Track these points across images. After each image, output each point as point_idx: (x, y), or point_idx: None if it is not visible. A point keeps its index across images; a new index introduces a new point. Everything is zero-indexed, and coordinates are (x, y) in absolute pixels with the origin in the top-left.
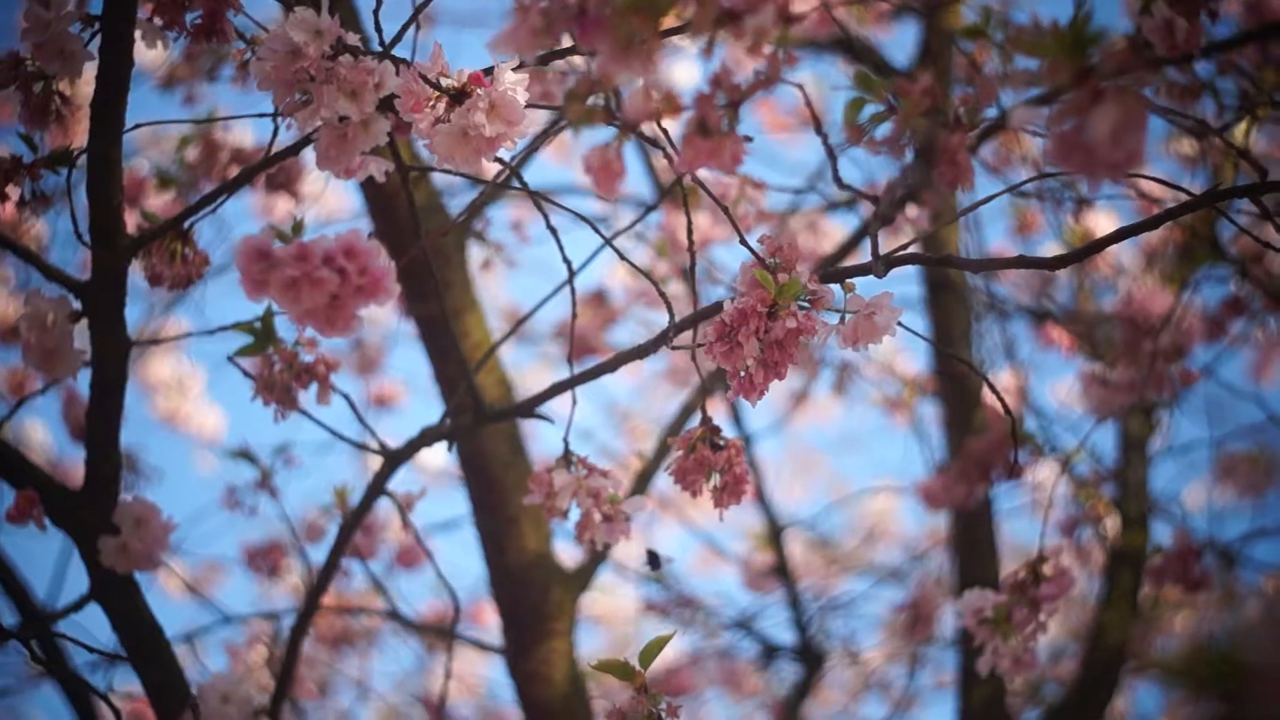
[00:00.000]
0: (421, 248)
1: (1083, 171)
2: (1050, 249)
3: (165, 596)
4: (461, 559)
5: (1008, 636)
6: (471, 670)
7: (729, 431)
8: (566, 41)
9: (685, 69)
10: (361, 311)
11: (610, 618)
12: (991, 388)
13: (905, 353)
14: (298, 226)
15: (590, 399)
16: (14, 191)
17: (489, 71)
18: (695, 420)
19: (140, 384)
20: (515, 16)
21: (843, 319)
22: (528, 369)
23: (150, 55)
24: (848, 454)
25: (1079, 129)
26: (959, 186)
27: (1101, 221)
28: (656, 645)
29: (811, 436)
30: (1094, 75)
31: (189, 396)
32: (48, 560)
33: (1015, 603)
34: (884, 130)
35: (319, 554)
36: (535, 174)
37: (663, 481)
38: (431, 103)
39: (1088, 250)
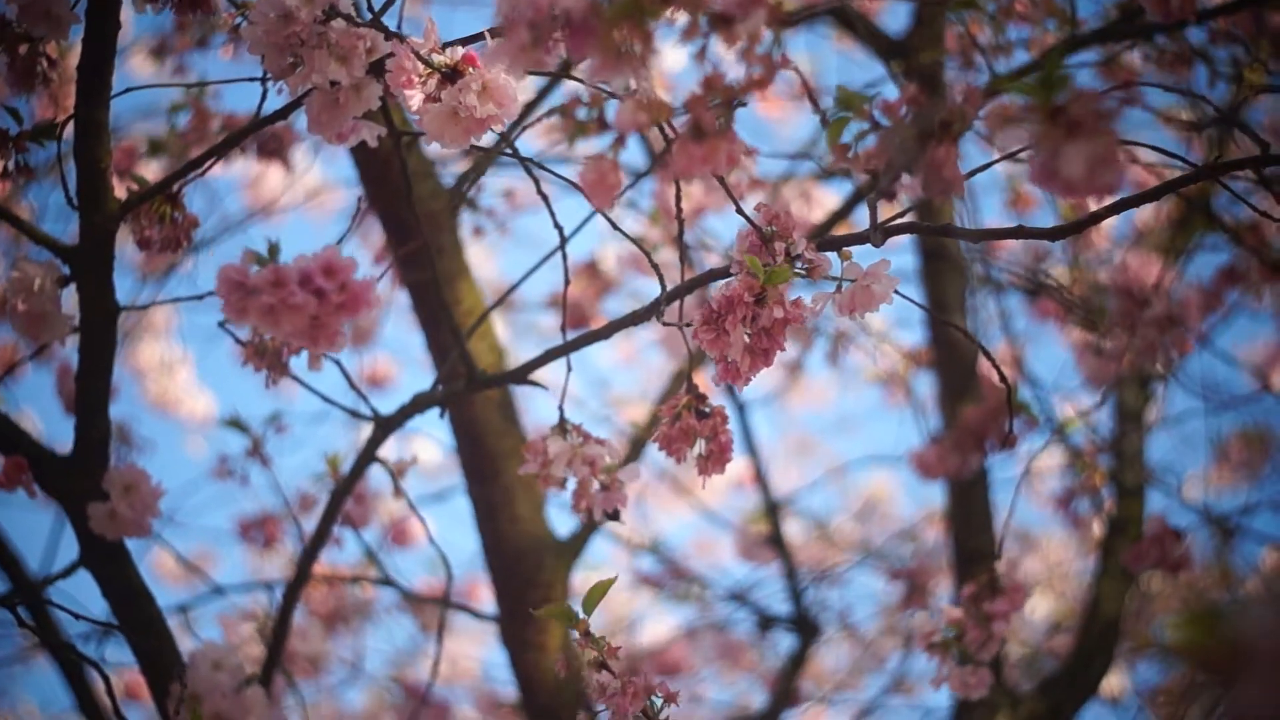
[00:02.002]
0: (414, 214)
1: (1065, 195)
2: (1046, 223)
3: (159, 580)
4: (454, 536)
5: (962, 659)
6: (466, 652)
7: (723, 401)
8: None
9: (677, 59)
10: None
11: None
12: (987, 355)
13: (901, 326)
14: (274, 250)
15: (579, 374)
16: None
17: (476, 39)
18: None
19: (130, 368)
20: (505, 32)
21: (839, 287)
22: (523, 347)
23: (141, 26)
24: (844, 436)
25: (1055, 161)
26: (949, 194)
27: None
28: (600, 589)
29: (807, 420)
30: (1065, 113)
31: (178, 379)
32: (40, 534)
33: (970, 618)
34: (867, 146)
35: (312, 525)
36: (528, 135)
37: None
38: (423, 79)
39: (1086, 221)
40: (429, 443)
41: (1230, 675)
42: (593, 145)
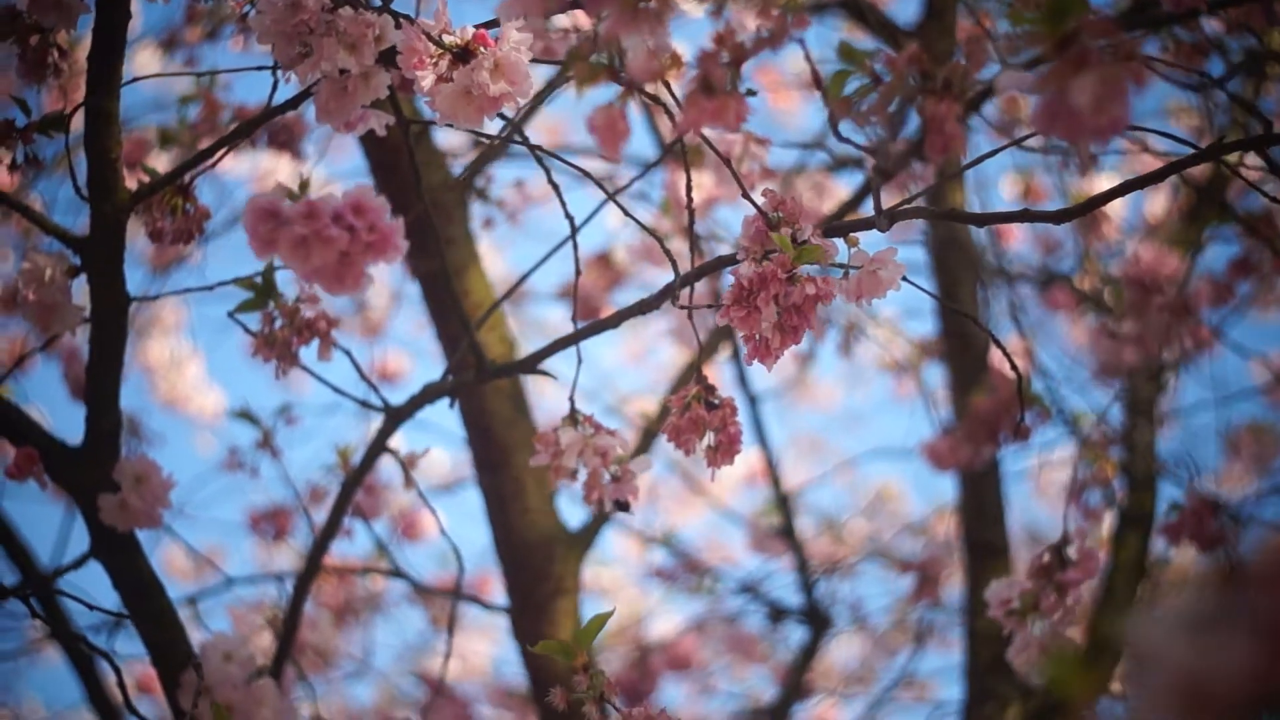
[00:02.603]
0: (424, 204)
1: (1068, 137)
2: None
3: (169, 573)
4: (465, 530)
5: (1035, 626)
6: (477, 648)
7: (733, 394)
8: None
9: (689, 29)
10: (370, 269)
11: (617, 589)
12: (998, 344)
13: (911, 317)
14: (305, 184)
15: (587, 370)
16: (7, 155)
17: (491, 25)
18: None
19: (139, 365)
20: None
21: (847, 274)
22: (533, 343)
23: (151, 18)
24: (853, 433)
25: (1062, 97)
26: (950, 154)
27: (1105, 183)
28: (596, 624)
29: (816, 421)
30: (1074, 43)
31: (187, 376)
32: (50, 525)
33: (1042, 589)
34: (870, 102)
35: (323, 517)
36: (536, 135)
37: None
38: (434, 60)
39: (1092, 203)
40: (441, 436)
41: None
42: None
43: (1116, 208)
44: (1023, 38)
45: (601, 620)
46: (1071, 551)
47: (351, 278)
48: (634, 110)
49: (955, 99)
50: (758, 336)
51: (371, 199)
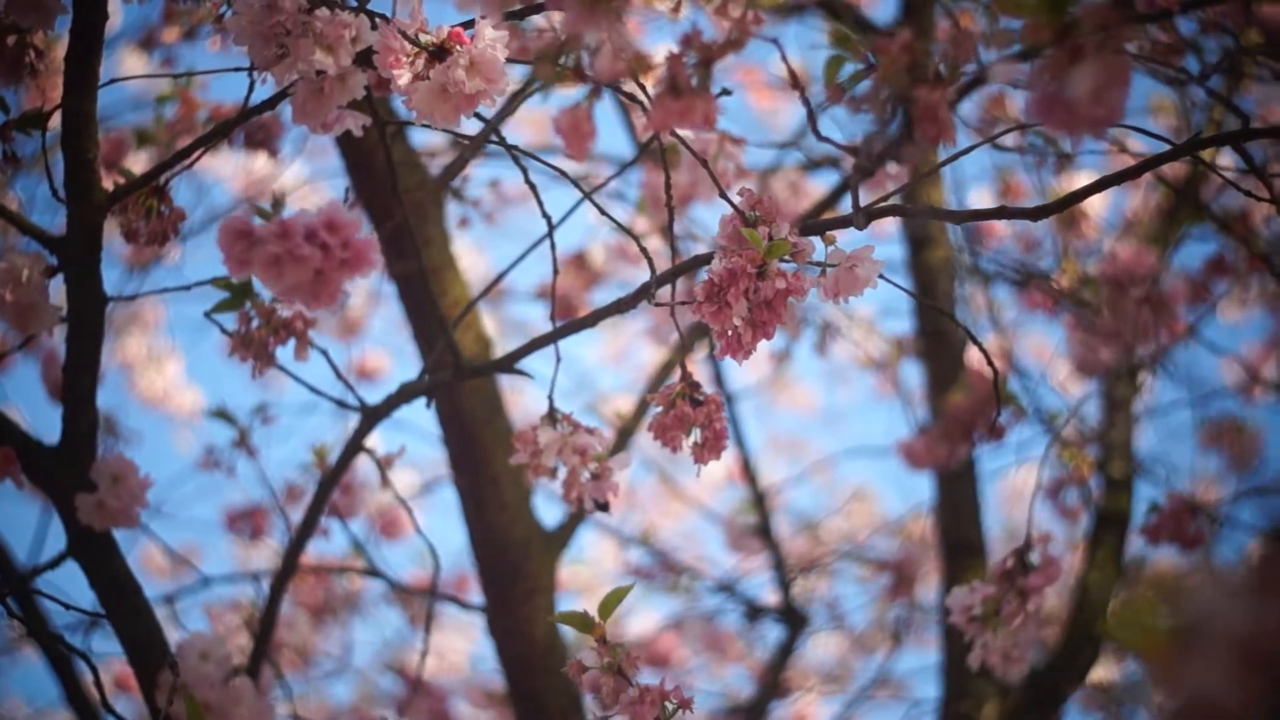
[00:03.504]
0: (400, 204)
1: (1064, 128)
2: None
3: (146, 572)
4: (442, 529)
5: (997, 631)
6: (454, 646)
7: (711, 390)
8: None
9: (658, 32)
10: (346, 284)
11: (593, 588)
12: (975, 341)
13: (888, 315)
14: (278, 203)
15: (566, 370)
16: None
17: (468, 25)
18: (676, 378)
19: (117, 363)
20: None
21: (824, 271)
22: (511, 342)
23: (129, 18)
24: (831, 433)
25: (1060, 86)
26: (941, 142)
27: (1083, 181)
28: (616, 596)
29: (794, 421)
30: (1074, 32)
31: (165, 373)
32: (27, 525)
33: (1004, 594)
34: (863, 88)
35: (300, 516)
36: (519, 132)
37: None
38: (410, 59)
39: (1069, 200)
40: (418, 435)
41: (1176, 667)
42: (570, 98)
43: (1096, 206)
44: (1020, 28)
45: (622, 593)
46: (1035, 556)
47: (327, 294)
48: (608, 109)
49: (947, 87)
50: (729, 332)
51: (344, 215)
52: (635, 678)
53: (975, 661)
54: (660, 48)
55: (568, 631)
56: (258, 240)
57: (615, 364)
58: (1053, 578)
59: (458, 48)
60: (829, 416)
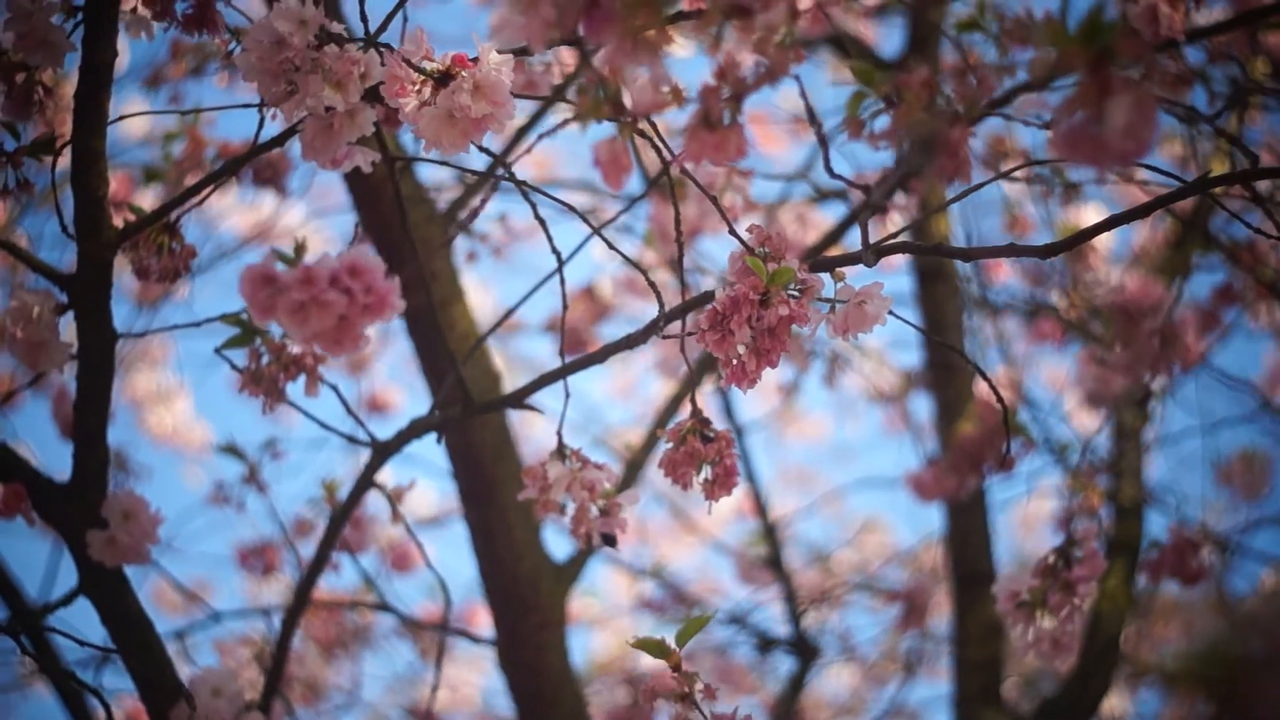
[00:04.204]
0: (408, 239)
1: (1091, 162)
2: None
3: (158, 608)
4: (453, 562)
5: (1045, 619)
6: (466, 679)
7: (720, 424)
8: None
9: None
10: (367, 329)
11: (604, 621)
12: (982, 374)
13: (898, 348)
14: (300, 249)
15: (576, 404)
16: None
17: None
18: (684, 412)
19: (127, 399)
20: (526, 7)
21: (833, 308)
22: (520, 376)
23: (137, 55)
24: (842, 466)
25: (1089, 120)
26: (958, 179)
27: (1093, 216)
28: (694, 625)
29: (805, 453)
30: (1108, 64)
31: (175, 410)
32: (39, 561)
33: (1049, 586)
34: (883, 123)
35: (310, 551)
36: (524, 168)
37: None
38: (416, 87)
39: (1078, 238)
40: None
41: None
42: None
43: (1104, 238)
44: (1047, 60)
45: (700, 622)
46: (1077, 552)
47: (350, 339)
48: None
49: (968, 124)
50: (734, 360)
51: (367, 260)
52: (709, 708)
53: (1023, 650)
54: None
55: (579, 664)
56: (282, 287)
57: (624, 397)
58: (1097, 570)
59: (462, 72)
60: (840, 448)
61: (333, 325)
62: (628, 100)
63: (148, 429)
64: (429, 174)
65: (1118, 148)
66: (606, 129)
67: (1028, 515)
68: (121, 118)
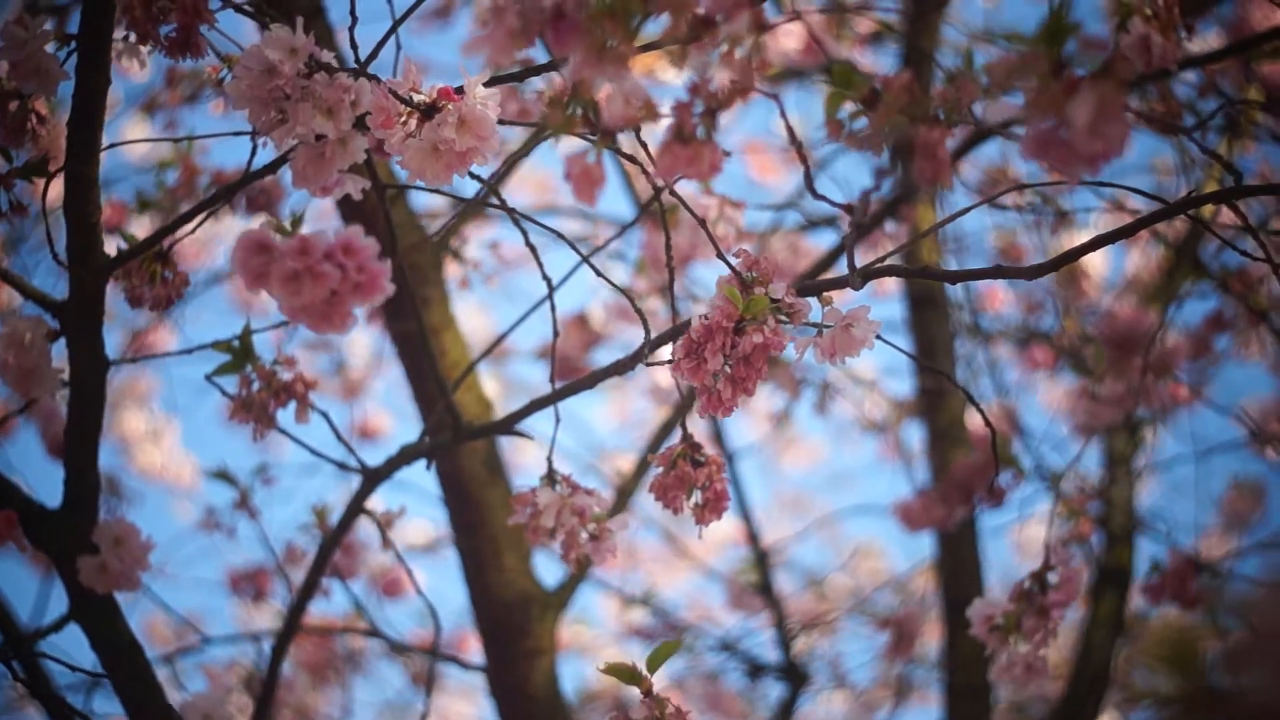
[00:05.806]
0: (399, 264)
1: (1060, 165)
2: None
3: (149, 635)
4: (444, 589)
5: (1019, 644)
6: (458, 709)
7: (712, 449)
8: (540, 51)
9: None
10: (356, 310)
11: (595, 648)
12: (972, 401)
13: (889, 375)
14: (297, 221)
15: (568, 430)
16: None
17: (493, 81)
18: (675, 437)
19: (115, 439)
20: (491, 19)
21: (820, 332)
22: (513, 402)
23: (131, 81)
24: (836, 493)
25: (1056, 123)
26: (939, 183)
27: (1082, 241)
28: (665, 650)
29: (799, 479)
30: (1071, 65)
31: (164, 446)
32: (30, 587)
33: (1024, 611)
34: (862, 125)
35: (300, 577)
36: (523, 192)
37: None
38: (403, 118)
39: (1064, 259)
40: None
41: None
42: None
43: (1097, 266)
44: (1017, 62)
45: (671, 648)
46: (1053, 577)
47: (339, 317)
48: (609, 165)
49: (947, 127)
50: (710, 389)
51: (362, 240)
52: None
53: (998, 675)
54: (659, 100)
55: (569, 690)
56: (277, 255)
57: (616, 423)
58: (1072, 595)
59: (448, 106)
60: (833, 474)
61: (323, 299)
62: (601, 113)
63: (137, 466)
64: (422, 201)
65: (1086, 149)
66: (579, 143)
67: (1023, 540)
68: (114, 145)
